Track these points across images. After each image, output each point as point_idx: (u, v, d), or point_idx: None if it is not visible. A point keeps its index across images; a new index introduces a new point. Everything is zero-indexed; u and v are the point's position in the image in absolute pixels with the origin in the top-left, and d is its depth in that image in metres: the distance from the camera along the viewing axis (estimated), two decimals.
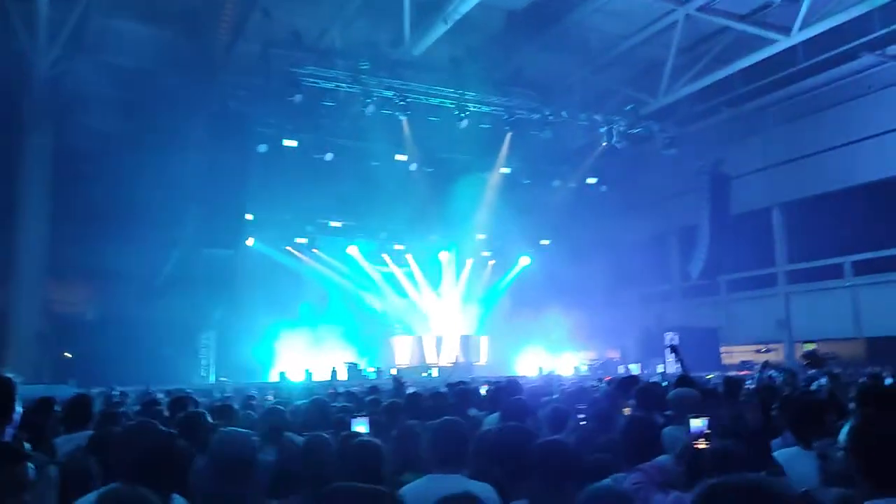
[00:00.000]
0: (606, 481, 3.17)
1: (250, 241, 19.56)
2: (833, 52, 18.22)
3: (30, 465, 2.39)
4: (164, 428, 3.52)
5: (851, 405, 3.87)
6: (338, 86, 18.29)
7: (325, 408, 5.31)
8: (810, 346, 5.21)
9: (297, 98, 17.47)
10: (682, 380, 5.29)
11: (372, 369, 19.63)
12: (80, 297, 18.09)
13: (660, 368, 17.34)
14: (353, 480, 2.92)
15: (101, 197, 15.89)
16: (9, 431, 3.15)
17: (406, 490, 3.43)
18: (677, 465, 3.53)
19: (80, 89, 15.89)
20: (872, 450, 2.17)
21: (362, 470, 3.06)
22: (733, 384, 6.17)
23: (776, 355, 20.35)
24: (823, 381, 4.89)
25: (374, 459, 3.11)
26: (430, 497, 3.06)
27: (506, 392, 5.98)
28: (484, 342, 23.34)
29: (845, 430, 2.28)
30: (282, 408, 5.22)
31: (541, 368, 18.57)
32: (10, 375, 3.26)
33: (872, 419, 2.28)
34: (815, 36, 16.31)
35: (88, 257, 16.39)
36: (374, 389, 8.19)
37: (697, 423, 3.58)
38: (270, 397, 8.94)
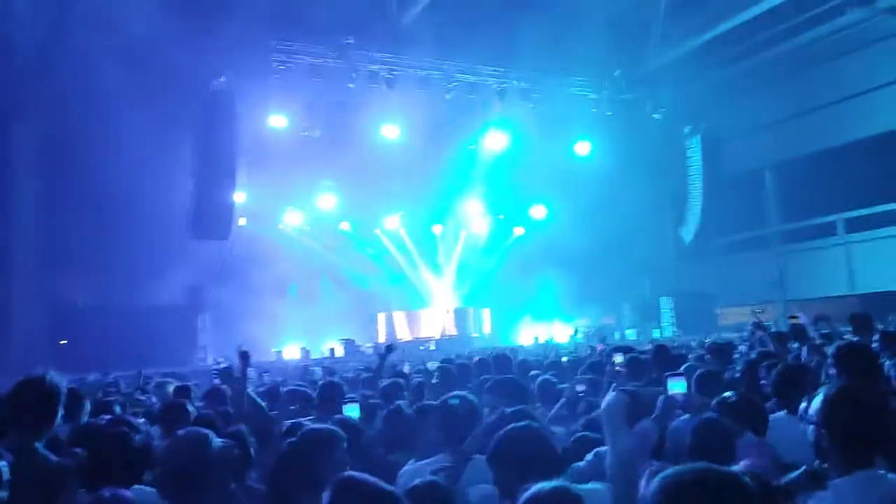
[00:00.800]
0: (588, 457, 3.20)
1: (242, 221, 19.49)
2: (821, 9, 18.03)
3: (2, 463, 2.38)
4: (118, 423, 3.53)
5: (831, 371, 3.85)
6: (324, 61, 18.16)
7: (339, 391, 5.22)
8: (795, 319, 5.18)
9: (283, 74, 17.36)
10: (660, 349, 5.30)
11: (369, 345, 19.67)
12: (73, 283, 18.04)
13: (656, 333, 17.45)
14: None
15: (92, 182, 15.78)
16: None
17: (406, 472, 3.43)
18: (657, 428, 3.56)
19: (67, 75, 15.71)
20: (845, 422, 2.12)
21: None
22: (724, 351, 6.17)
23: (770, 316, 20.45)
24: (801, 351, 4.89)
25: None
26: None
27: (495, 369, 5.96)
28: (483, 314, 23.39)
29: (816, 401, 2.22)
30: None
31: (536, 338, 18.64)
32: (54, 378, 3.28)
33: (842, 390, 2.22)
34: None
35: (81, 243, 16.31)
36: (368, 369, 8.18)
37: (676, 385, 3.58)
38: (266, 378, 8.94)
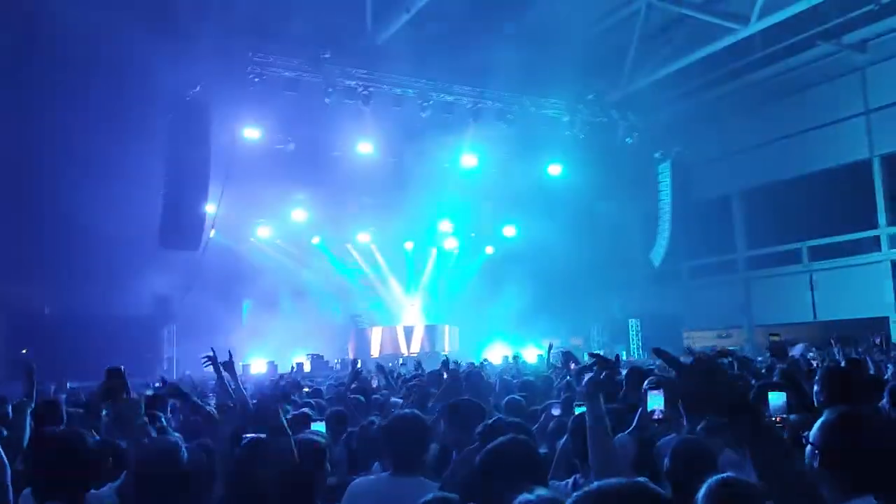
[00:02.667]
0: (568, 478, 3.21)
1: (213, 233, 19.28)
2: (790, 41, 18.48)
3: None
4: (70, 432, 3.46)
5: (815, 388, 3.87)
6: (300, 74, 18.12)
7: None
8: (776, 338, 5.25)
9: (258, 87, 17.29)
10: (633, 371, 5.34)
11: (337, 360, 19.55)
12: (37, 292, 17.68)
13: (625, 356, 17.55)
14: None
15: (58, 189, 15.52)
16: None
17: (356, 486, 3.32)
18: (635, 442, 3.59)
19: (35, 80, 15.47)
20: (848, 447, 2.02)
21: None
22: None
23: (736, 340, 20.76)
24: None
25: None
26: (386, 498, 3.03)
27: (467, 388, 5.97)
28: (452, 331, 23.35)
29: (816, 426, 2.12)
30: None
31: (506, 357, 18.63)
32: None
33: (846, 415, 2.11)
34: (773, 25, 16.52)
35: (46, 251, 16.02)
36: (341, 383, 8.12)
37: (654, 400, 3.58)
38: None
